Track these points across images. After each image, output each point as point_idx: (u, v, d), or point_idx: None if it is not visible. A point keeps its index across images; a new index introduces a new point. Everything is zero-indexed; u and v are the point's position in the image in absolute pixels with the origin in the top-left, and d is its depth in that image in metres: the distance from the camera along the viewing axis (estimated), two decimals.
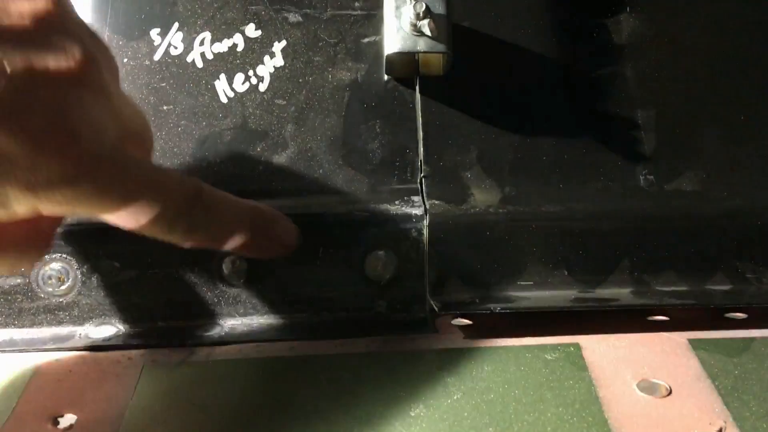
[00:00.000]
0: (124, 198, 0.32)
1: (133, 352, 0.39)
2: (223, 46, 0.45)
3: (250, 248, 0.38)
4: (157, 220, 0.33)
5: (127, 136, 0.33)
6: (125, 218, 0.33)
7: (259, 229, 0.38)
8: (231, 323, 0.41)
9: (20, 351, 0.39)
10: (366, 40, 0.46)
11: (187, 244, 0.35)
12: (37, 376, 0.37)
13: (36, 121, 0.28)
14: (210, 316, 0.41)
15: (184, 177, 0.35)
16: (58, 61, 0.29)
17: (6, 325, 0.41)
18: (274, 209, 0.39)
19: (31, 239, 0.34)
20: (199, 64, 0.45)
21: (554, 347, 0.38)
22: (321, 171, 0.44)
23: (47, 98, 0.29)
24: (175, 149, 0.44)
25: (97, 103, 0.31)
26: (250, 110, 0.45)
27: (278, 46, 0.45)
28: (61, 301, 0.41)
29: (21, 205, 0.30)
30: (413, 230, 0.42)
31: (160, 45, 0.45)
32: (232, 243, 0.37)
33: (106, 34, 0.45)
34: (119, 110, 0.32)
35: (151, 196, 0.33)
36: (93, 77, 0.30)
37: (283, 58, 0.45)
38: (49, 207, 0.31)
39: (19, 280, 0.41)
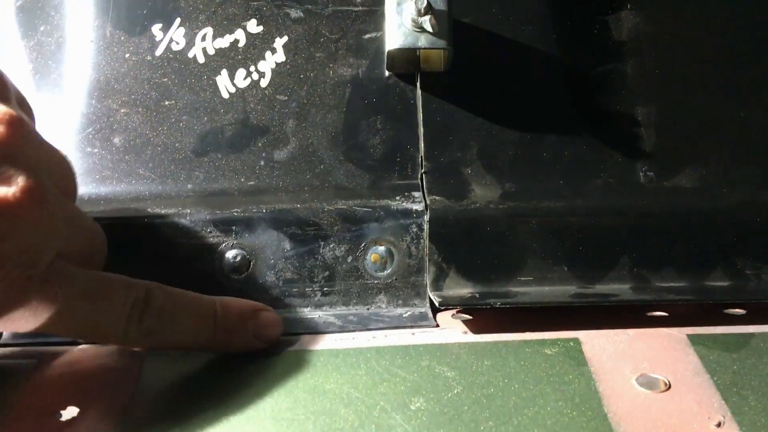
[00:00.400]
0: (61, 315, 0.32)
1: None
2: (224, 42, 0.45)
3: (217, 346, 0.37)
4: (103, 331, 0.34)
5: (70, 253, 0.33)
6: (69, 333, 0.34)
7: (227, 327, 0.37)
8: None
9: (22, 345, 0.39)
10: (367, 36, 0.46)
11: (144, 349, 0.36)
12: (39, 369, 0.37)
13: None
14: None
15: (132, 284, 0.35)
16: (3, 193, 0.29)
17: None
18: (251, 302, 0.39)
19: None
20: (201, 59, 0.45)
21: (554, 342, 0.38)
22: (322, 166, 0.44)
23: None
24: (176, 144, 0.44)
25: (33, 229, 0.30)
26: (252, 106, 0.45)
27: (280, 42, 0.46)
28: None
29: None
30: (414, 226, 0.42)
31: (161, 40, 0.45)
32: (196, 343, 0.37)
33: (108, 30, 0.45)
34: (63, 230, 0.32)
35: (92, 309, 0.33)
36: (34, 205, 0.30)
37: (285, 53, 0.46)
38: None
39: None
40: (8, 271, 0.30)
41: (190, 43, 0.45)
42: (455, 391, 0.35)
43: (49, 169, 0.33)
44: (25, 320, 0.31)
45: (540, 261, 0.43)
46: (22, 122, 0.31)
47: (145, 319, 0.34)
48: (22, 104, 0.35)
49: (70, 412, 0.34)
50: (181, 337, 0.36)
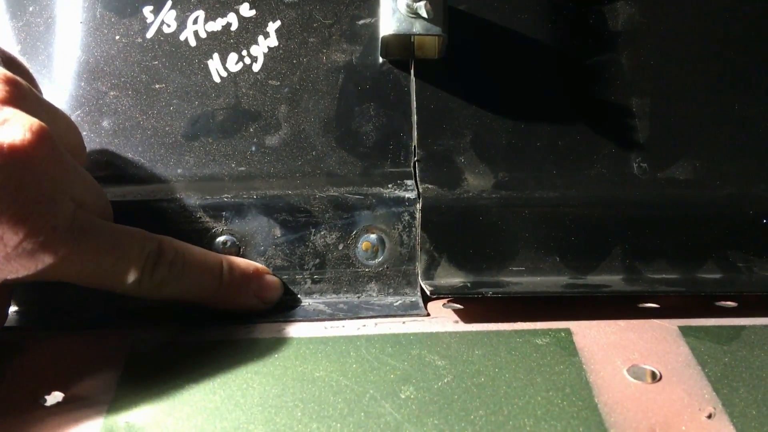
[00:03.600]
0: (84, 264, 0.33)
1: (122, 331, 0.38)
2: (216, 25, 0.45)
3: (219, 302, 0.39)
4: (121, 281, 0.35)
5: (83, 206, 0.34)
6: (89, 281, 0.34)
7: (231, 283, 0.39)
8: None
9: (7, 329, 0.39)
10: (361, 21, 0.45)
11: (154, 299, 0.37)
12: (24, 354, 0.37)
13: None
14: None
15: (147, 236, 0.36)
16: (12, 136, 0.30)
17: None
18: (255, 264, 0.40)
19: None
20: (192, 42, 0.45)
21: (545, 332, 0.38)
22: (314, 153, 0.44)
23: (1, 176, 0.30)
24: (166, 128, 0.44)
25: (49, 174, 0.32)
26: (243, 90, 0.44)
27: (273, 26, 0.45)
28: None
29: None
30: (406, 214, 0.42)
31: (152, 23, 0.45)
32: (201, 297, 0.38)
33: (98, 11, 0.44)
34: (76, 181, 0.34)
35: (111, 259, 0.34)
36: (44, 147, 0.31)
37: (278, 38, 0.45)
38: (12, 276, 0.32)
39: None
40: (34, 222, 0.31)
41: (181, 26, 0.45)
42: (445, 380, 0.35)
43: (52, 121, 0.33)
44: (51, 270, 0.32)
45: (532, 251, 0.43)
46: (15, 80, 0.33)
47: (157, 270, 0.36)
48: (11, 64, 0.37)
49: (54, 398, 0.34)
50: (188, 288, 0.37)
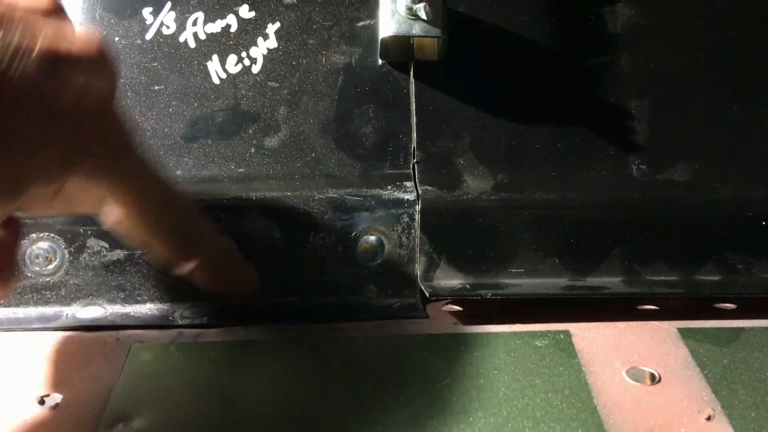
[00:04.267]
0: (139, 197, 0.32)
1: (121, 333, 0.38)
2: (216, 27, 0.45)
3: (209, 277, 0.36)
4: (160, 225, 0.34)
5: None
6: (133, 217, 0.33)
7: (222, 266, 0.37)
8: (220, 305, 0.41)
9: (6, 330, 0.39)
10: (361, 23, 0.45)
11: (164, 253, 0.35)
12: (23, 355, 0.37)
13: (68, 105, 0.28)
14: (198, 298, 0.40)
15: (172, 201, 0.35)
16: (80, 42, 0.28)
17: None
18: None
19: None
20: (192, 44, 0.45)
21: (544, 334, 0.38)
22: (313, 154, 0.44)
23: (75, 80, 0.28)
24: (166, 130, 0.44)
25: (113, 80, 0.31)
26: (243, 92, 0.44)
27: (272, 28, 0.45)
28: (49, 281, 0.40)
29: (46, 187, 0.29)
30: (405, 215, 0.42)
31: (152, 24, 0.45)
32: (196, 267, 0.36)
33: (97, 12, 0.44)
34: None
35: (157, 199, 0.33)
36: (105, 52, 0.30)
37: (277, 40, 0.45)
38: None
39: None
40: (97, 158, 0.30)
41: (180, 28, 0.45)
42: (444, 382, 0.35)
43: None
44: (117, 188, 0.31)
45: (531, 253, 0.42)
46: None
47: (184, 225, 0.34)
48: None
49: (53, 399, 0.34)
50: (195, 252, 0.35)
